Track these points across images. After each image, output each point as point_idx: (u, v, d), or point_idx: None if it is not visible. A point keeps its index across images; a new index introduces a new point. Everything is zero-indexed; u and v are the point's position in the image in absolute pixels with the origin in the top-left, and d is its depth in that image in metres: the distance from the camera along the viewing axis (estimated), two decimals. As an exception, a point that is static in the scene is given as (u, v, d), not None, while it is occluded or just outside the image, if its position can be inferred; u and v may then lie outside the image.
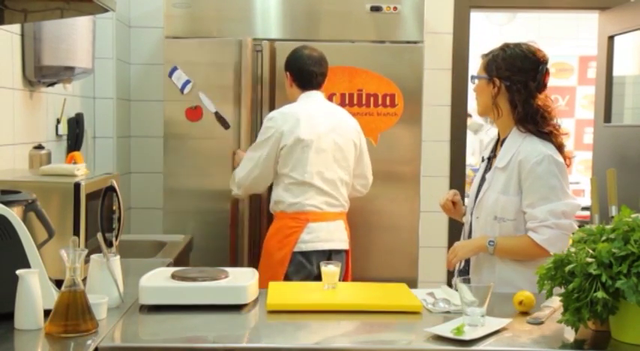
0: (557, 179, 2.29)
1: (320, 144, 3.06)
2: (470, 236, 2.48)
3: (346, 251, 3.16)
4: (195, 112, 3.57)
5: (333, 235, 3.09)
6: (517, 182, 2.32)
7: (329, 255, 3.06)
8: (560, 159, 2.32)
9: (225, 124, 3.54)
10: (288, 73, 3.19)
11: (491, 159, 2.49)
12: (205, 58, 3.56)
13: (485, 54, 2.46)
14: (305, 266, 3.03)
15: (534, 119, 2.35)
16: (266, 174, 3.10)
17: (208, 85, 3.56)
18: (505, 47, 2.41)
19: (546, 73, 2.39)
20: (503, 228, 2.34)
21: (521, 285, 2.24)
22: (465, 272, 2.46)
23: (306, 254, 3.03)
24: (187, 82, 3.56)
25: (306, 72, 3.15)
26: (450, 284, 2.58)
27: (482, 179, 2.46)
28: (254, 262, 3.52)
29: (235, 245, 3.56)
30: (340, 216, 3.15)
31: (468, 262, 2.47)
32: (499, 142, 2.48)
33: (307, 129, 3.04)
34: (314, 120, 3.07)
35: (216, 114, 3.54)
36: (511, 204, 2.32)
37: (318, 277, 2.94)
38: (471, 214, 2.47)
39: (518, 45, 2.41)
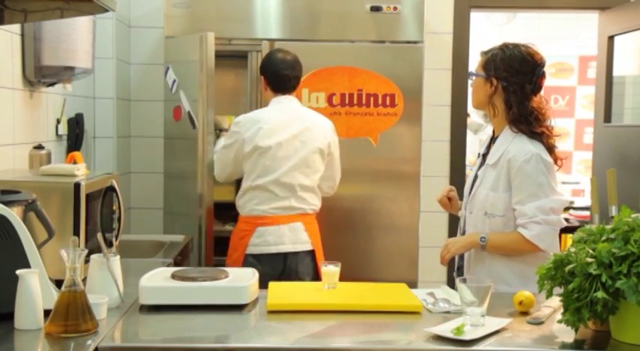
0: (545, 177, 2.34)
1: (279, 151, 3.07)
2: (465, 231, 2.52)
3: (310, 252, 3.14)
4: (177, 111, 3.57)
5: (284, 239, 3.10)
6: (506, 179, 2.36)
7: (284, 257, 3.09)
8: (548, 158, 2.37)
9: (193, 123, 3.49)
10: (262, 77, 3.20)
11: (485, 156, 2.52)
12: (183, 57, 3.55)
13: (485, 52, 2.49)
14: (256, 267, 3.02)
15: (528, 120, 2.39)
16: (239, 170, 3.19)
17: (186, 84, 3.55)
18: (504, 47, 2.43)
19: (542, 75, 2.42)
20: (493, 224, 2.39)
21: (510, 279, 2.33)
22: (463, 268, 2.51)
23: (256, 257, 3.08)
24: (174, 81, 3.56)
25: (279, 76, 3.15)
26: (451, 282, 2.61)
27: (476, 175, 2.51)
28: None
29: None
30: (297, 219, 3.13)
31: (461, 258, 2.53)
32: (492, 140, 2.51)
33: (266, 136, 3.06)
34: (277, 127, 3.08)
35: (189, 113, 3.52)
36: (500, 200, 2.37)
37: (272, 278, 2.96)
38: (465, 209, 2.52)
39: (517, 46, 2.43)
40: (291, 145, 3.10)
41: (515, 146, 2.37)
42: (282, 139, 3.08)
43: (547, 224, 2.30)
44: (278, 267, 3.07)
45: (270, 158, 3.07)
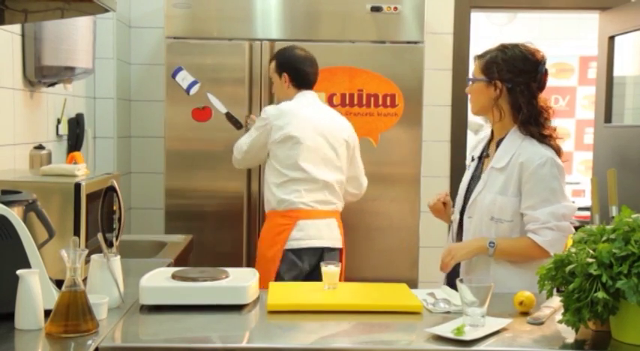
0: (558, 182, 2.30)
1: (311, 143, 3.07)
2: (459, 236, 2.45)
3: (340, 250, 3.16)
4: (203, 113, 3.57)
5: (323, 233, 3.09)
6: (517, 183, 2.31)
7: (321, 253, 3.07)
8: (560, 162, 2.32)
9: (237, 124, 3.56)
10: (285, 74, 3.18)
11: (482, 158, 2.47)
12: (213, 60, 3.58)
13: (481, 55, 2.43)
14: (296, 264, 3.03)
15: (537, 121, 2.35)
16: (255, 155, 3.21)
17: (217, 87, 3.58)
18: (503, 48, 2.39)
19: (546, 72, 2.39)
20: (500, 229, 2.33)
21: (515, 286, 2.22)
22: (453, 275, 2.39)
23: (297, 252, 3.03)
24: (194, 82, 3.56)
25: (303, 72, 3.17)
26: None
27: (473, 178, 2.45)
28: (254, 263, 3.53)
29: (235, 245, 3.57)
30: (332, 214, 3.14)
31: (457, 264, 2.42)
32: (492, 143, 2.46)
33: (298, 127, 3.06)
34: (308, 119, 3.09)
35: (228, 114, 3.56)
36: (509, 205, 2.31)
37: (308, 276, 2.97)
38: (461, 214, 2.45)
39: (516, 46, 2.39)
40: (322, 138, 3.11)
41: (527, 149, 2.31)
42: (314, 131, 3.09)
43: (559, 231, 2.26)
44: (313, 263, 3.04)
45: (305, 149, 3.05)
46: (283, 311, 1.95)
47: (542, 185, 2.28)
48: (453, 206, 2.56)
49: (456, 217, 2.47)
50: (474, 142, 2.62)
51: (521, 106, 2.34)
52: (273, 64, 3.23)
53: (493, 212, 2.33)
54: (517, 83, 2.34)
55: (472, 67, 2.50)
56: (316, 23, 3.64)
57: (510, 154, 2.34)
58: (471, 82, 2.44)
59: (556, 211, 2.27)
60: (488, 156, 2.45)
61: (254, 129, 3.18)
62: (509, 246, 2.32)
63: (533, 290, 2.13)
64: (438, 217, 2.64)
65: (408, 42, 3.64)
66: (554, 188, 2.28)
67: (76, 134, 3.31)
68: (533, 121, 2.34)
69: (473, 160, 2.51)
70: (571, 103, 6.85)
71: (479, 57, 2.43)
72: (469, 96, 2.48)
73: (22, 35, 2.74)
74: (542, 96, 2.39)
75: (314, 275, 2.99)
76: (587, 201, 5.25)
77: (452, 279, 2.37)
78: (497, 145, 2.41)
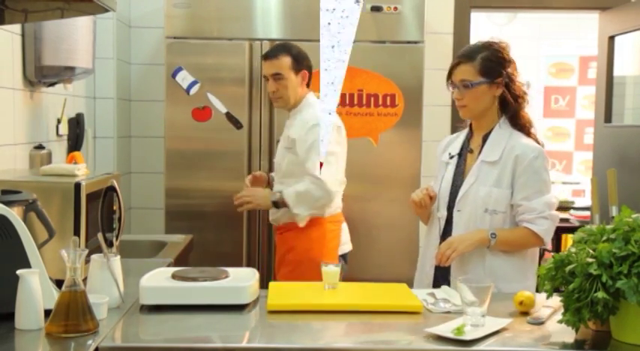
0: (547, 173, 2.41)
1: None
2: (447, 230, 2.45)
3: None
4: (203, 113, 3.57)
5: (349, 235, 3.13)
6: (510, 176, 2.38)
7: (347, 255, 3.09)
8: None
9: (237, 124, 3.57)
10: (305, 72, 3.04)
11: (463, 154, 2.50)
12: (213, 60, 3.59)
13: (468, 57, 2.42)
14: (344, 268, 2.90)
15: (521, 105, 2.43)
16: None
17: (217, 86, 3.58)
18: (489, 45, 2.43)
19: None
20: (494, 220, 2.38)
21: (511, 275, 2.35)
22: (443, 270, 2.42)
23: (345, 256, 3.03)
24: (194, 82, 3.56)
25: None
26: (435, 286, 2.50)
27: (456, 174, 2.48)
28: (254, 263, 3.53)
29: (236, 245, 3.57)
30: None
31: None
32: (473, 138, 2.50)
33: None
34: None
35: (228, 114, 3.56)
36: (503, 197, 2.38)
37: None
38: (447, 209, 2.46)
39: (492, 41, 2.44)
40: None
41: (519, 143, 2.39)
42: None
43: (552, 219, 2.37)
44: None
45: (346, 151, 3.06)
46: (283, 311, 1.95)
47: (537, 177, 2.37)
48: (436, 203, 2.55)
49: (442, 213, 2.49)
50: (446, 141, 2.63)
51: (516, 95, 2.42)
52: (288, 60, 2.99)
53: (488, 204, 2.39)
54: (509, 75, 2.42)
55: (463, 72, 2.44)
56: (316, 23, 3.59)
57: (501, 147, 2.40)
58: (469, 87, 2.40)
59: (549, 201, 2.37)
60: (472, 151, 2.49)
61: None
62: (509, 237, 2.38)
63: (526, 277, 2.22)
64: (419, 214, 2.60)
65: (408, 42, 3.64)
66: (546, 180, 2.39)
67: (76, 134, 3.31)
68: (518, 107, 2.43)
69: (451, 157, 2.54)
70: (571, 103, 6.84)
71: (467, 59, 2.42)
72: (460, 101, 2.43)
73: (22, 35, 2.74)
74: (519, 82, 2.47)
75: None
76: (587, 201, 5.25)
77: (441, 276, 2.43)
78: (484, 140, 2.46)
